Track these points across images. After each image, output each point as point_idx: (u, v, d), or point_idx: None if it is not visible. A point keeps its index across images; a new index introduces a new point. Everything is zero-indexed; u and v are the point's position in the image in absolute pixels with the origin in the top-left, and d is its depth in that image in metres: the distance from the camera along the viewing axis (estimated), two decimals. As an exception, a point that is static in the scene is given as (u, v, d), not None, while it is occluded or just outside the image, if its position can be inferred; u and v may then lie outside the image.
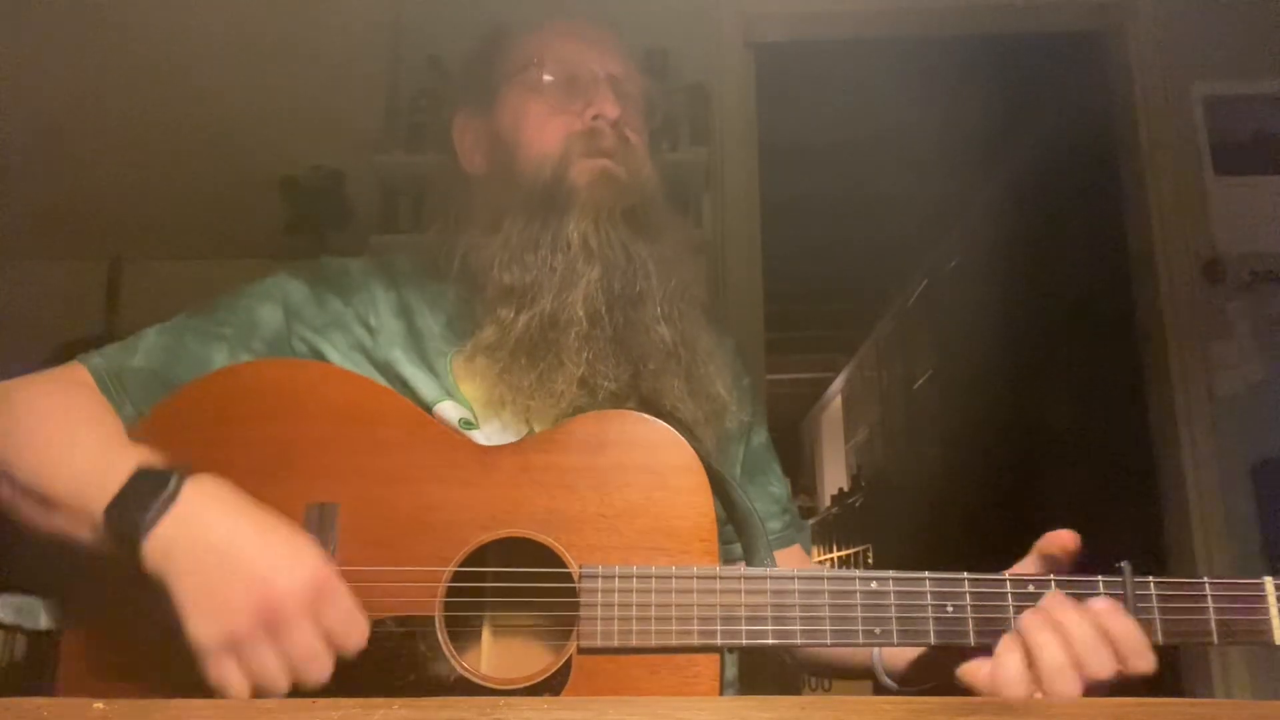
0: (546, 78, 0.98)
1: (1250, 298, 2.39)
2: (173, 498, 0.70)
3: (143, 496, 0.69)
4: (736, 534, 0.86)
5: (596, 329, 0.89)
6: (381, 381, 0.90)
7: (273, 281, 0.97)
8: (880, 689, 0.85)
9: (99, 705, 0.53)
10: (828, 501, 6.74)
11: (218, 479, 0.73)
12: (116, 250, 3.18)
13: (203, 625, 0.67)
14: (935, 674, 0.79)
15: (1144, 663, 0.69)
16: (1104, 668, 0.69)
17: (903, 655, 0.85)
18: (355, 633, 0.69)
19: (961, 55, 2.92)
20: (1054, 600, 0.71)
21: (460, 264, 0.95)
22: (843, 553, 6.09)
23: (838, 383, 6.99)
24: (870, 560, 5.64)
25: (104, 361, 0.89)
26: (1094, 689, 0.69)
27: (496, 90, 1.01)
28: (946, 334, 4.26)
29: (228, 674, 0.66)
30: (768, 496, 1.07)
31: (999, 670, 0.70)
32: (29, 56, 2.56)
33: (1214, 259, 2.40)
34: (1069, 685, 0.68)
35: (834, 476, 6.99)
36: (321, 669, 0.68)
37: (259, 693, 0.67)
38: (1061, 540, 0.75)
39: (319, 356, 0.92)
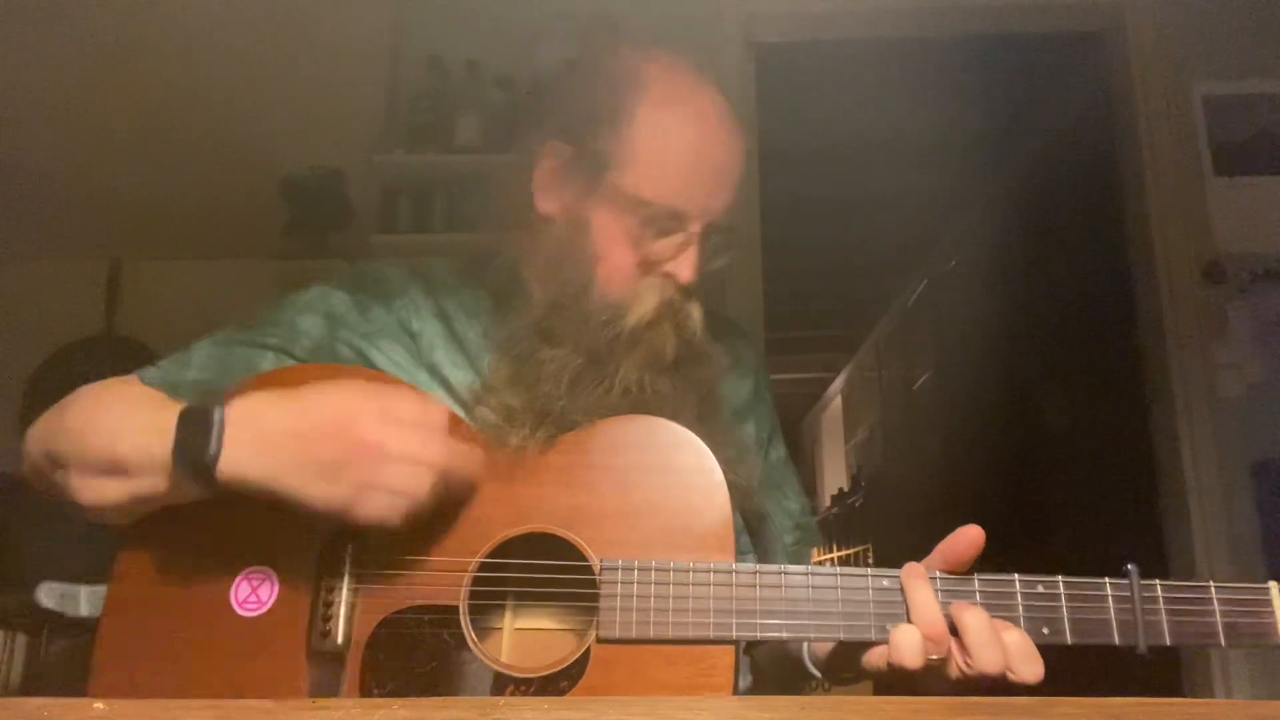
0: (651, 204, 0.91)
1: (1250, 298, 2.39)
2: (222, 424, 0.74)
3: (195, 433, 0.74)
4: (751, 537, 0.88)
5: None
6: (428, 385, 0.92)
7: (314, 294, 0.98)
8: (881, 688, 0.85)
9: (99, 705, 0.53)
10: (828, 501, 6.74)
11: (252, 392, 0.77)
12: (116, 250, 3.18)
13: (325, 493, 0.72)
14: (853, 664, 0.80)
15: (1030, 670, 0.70)
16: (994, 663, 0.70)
17: (825, 647, 0.87)
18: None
19: (962, 55, 2.91)
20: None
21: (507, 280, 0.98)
22: (842, 553, 6.08)
23: (838, 383, 6.99)
24: (870, 560, 5.64)
25: (160, 375, 0.92)
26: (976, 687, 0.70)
27: (601, 164, 0.92)
28: (946, 334, 4.26)
29: (376, 506, 0.72)
30: (782, 511, 1.08)
31: (897, 637, 0.72)
32: (29, 57, 2.56)
33: (1214, 259, 2.40)
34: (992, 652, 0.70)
35: (834, 476, 6.99)
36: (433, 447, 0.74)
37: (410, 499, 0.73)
38: (969, 536, 0.75)
39: (366, 361, 0.94)
